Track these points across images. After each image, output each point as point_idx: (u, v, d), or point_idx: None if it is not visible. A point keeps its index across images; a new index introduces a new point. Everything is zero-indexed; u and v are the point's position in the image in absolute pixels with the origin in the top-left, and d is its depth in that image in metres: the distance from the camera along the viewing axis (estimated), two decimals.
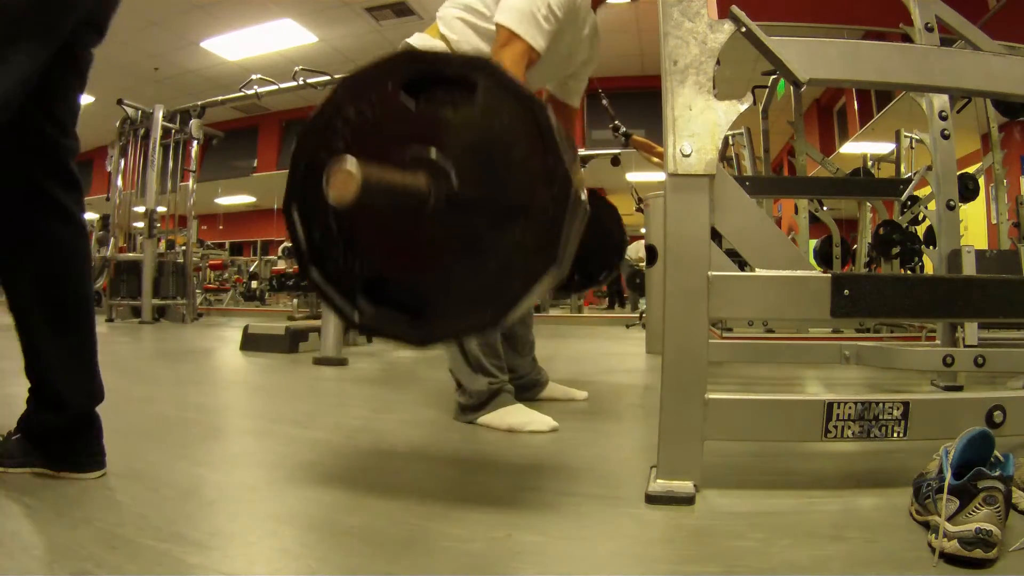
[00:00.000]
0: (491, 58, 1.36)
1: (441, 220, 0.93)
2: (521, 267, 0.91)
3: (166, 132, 6.40)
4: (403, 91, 0.93)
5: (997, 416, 1.06)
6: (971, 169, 4.11)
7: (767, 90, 4.52)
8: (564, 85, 1.88)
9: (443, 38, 1.61)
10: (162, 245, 6.56)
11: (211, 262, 11.05)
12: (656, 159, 3.34)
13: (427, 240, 0.95)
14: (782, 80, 3.93)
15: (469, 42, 1.59)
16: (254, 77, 6.09)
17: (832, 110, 9.04)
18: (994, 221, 4.55)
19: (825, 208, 4.52)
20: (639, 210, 5.33)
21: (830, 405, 1.03)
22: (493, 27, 1.50)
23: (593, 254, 1.95)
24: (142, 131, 6.42)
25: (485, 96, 0.91)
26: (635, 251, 10.17)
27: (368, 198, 0.81)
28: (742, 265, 1.39)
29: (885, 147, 5.59)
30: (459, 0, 1.62)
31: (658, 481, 1.03)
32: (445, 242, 0.95)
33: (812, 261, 5.05)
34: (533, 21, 1.46)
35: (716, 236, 1.09)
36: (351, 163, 0.79)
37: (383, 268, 0.99)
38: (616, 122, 3.26)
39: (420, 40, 1.64)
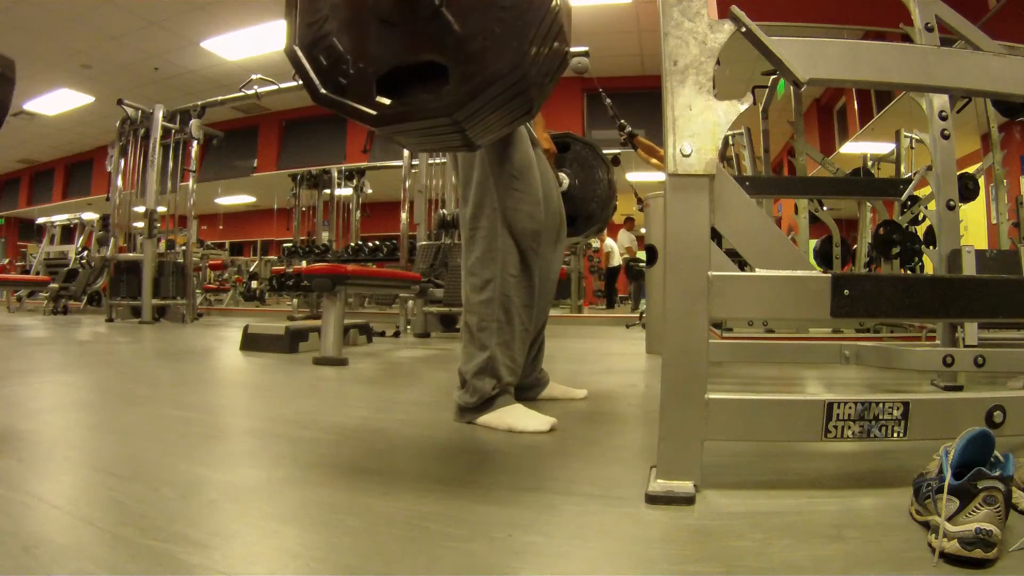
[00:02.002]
0: None
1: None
2: None
3: (166, 132, 6.41)
4: None
5: (997, 416, 1.06)
6: (971, 169, 4.10)
7: (767, 90, 4.52)
8: None
9: None
10: (162, 245, 6.57)
11: (211, 262, 11.06)
12: (656, 161, 3.34)
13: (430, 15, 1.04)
14: (782, 80, 3.93)
15: None
16: (254, 77, 6.09)
17: (832, 110, 9.06)
18: (994, 221, 4.55)
19: (825, 208, 4.52)
20: (639, 210, 5.34)
21: (830, 405, 1.03)
22: None
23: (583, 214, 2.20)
24: (142, 131, 6.44)
25: None
26: (621, 243, 10.21)
27: None
28: (742, 265, 1.39)
29: (885, 147, 5.59)
30: None
31: (658, 481, 1.03)
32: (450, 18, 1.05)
33: (812, 261, 5.05)
34: None
35: (716, 236, 1.09)
36: None
37: (393, 57, 1.06)
38: (621, 121, 3.27)
39: None
